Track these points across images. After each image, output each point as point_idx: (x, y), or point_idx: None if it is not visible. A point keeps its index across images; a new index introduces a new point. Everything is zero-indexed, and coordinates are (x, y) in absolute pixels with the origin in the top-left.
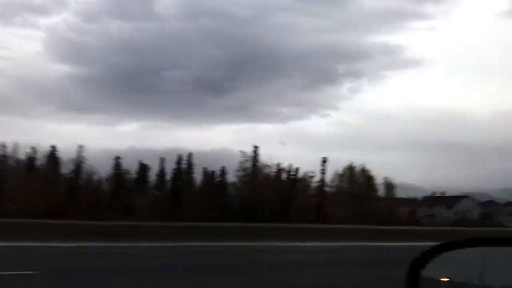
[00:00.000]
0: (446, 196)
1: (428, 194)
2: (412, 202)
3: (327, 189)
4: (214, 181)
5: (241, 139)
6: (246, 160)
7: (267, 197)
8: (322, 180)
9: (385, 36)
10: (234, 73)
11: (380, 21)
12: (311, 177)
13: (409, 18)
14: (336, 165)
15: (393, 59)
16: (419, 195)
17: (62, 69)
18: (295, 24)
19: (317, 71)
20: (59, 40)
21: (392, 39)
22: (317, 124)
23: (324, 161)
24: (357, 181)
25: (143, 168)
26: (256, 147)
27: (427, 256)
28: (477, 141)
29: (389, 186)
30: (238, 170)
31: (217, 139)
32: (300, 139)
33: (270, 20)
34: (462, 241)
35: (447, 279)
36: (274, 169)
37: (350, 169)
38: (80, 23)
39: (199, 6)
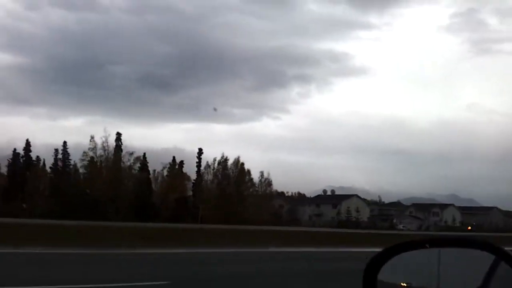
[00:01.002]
0: (334, 195)
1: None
2: (298, 201)
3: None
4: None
5: (193, 138)
6: (93, 149)
7: (116, 192)
8: (198, 175)
9: (332, 44)
10: (183, 71)
11: (327, 29)
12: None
13: (354, 27)
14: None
15: (340, 66)
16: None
17: (2, 58)
18: (243, 25)
19: (267, 73)
20: None
21: (338, 47)
22: (267, 126)
23: (200, 153)
24: (228, 175)
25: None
26: (119, 134)
27: (381, 259)
28: (420, 148)
29: (266, 182)
30: (82, 160)
31: (168, 137)
32: (251, 140)
33: (219, 20)
34: (413, 243)
35: (405, 284)
36: (134, 161)
37: (223, 162)
38: (20, 10)
39: (146, 0)
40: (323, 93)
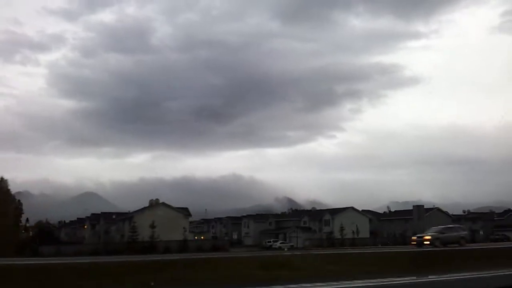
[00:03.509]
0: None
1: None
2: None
3: None
4: None
5: (249, 164)
6: None
7: None
8: None
9: (379, 57)
10: (235, 99)
11: (373, 42)
12: None
13: (401, 38)
14: None
15: (390, 78)
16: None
17: (66, 104)
18: (288, 49)
19: (317, 93)
20: (61, 75)
21: (387, 59)
22: (323, 146)
23: None
24: None
25: None
26: None
27: None
28: (485, 156)
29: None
30: None
31: (226, 165)
32: (308, 161)
33: (264, 47)
34: None
35: None
36: None
37: None
38: (79, 58)
39: (194, 37)
40: (376, 107)
